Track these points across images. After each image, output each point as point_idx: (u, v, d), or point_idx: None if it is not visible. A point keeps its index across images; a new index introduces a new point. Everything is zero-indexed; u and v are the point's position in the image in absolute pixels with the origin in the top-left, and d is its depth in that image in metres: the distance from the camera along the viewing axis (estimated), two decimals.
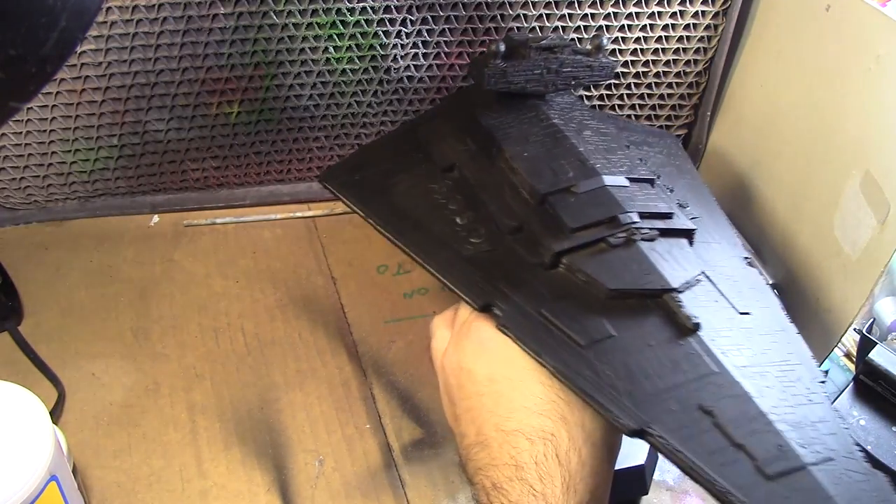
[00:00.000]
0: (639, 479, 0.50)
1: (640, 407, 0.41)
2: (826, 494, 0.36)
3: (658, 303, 0.46)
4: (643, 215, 0.50)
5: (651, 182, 0.54)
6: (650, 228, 0.49)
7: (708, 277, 0.49)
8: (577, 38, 0.69)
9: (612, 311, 0.46)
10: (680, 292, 0.46)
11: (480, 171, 0.55)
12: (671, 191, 0.58)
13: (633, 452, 0.49)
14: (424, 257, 0.51)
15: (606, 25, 0.69)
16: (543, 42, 0.59)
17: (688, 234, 0.52)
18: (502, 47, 0.58)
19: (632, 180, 0.53)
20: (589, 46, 0.61)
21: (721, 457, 0.38)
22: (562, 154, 0.54)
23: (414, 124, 0.63)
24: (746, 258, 0.55)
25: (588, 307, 0.46)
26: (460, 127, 0.59)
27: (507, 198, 0.53)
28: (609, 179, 0.52)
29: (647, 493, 0.50)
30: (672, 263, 0.48)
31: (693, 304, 0.46)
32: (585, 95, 0.74)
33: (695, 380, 0.42)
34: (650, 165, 0.59)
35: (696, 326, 0.44)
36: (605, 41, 0.61)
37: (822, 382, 0.45)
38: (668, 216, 0.51)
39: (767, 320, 0.48)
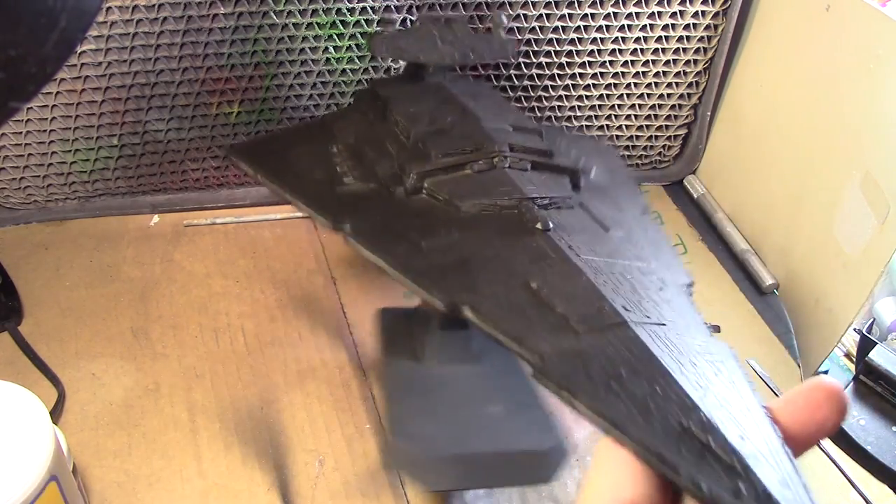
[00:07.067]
0: (540, 464, 0.47)
1: (463, 286, 0.40)
2: (641, 344, 0.33)
3: (512, 213, 0.45)
4: (515, 148, 0.49)
5: (539, 133, 0.54)
6: (521, 159, 0.49)
7: (584, 207, 0.48)
8: (577, 37, 0.69)
9: (466, 222, 0.45)
10: (539, 206, 0.45)
11: (371, 133, 0.55)
12: (553, 143, 0.56)
13: (540, 437, 0.47)
14: (293, 194, 0.51)
15: (606, 25, 0.69)
16: (437, 14, 0.60)
17: (569, 173, 0.51)
18: (394, 16, 0.58)
19: (515, 128, 0.53)
20: (488, 22, 0.61)
21: (535, 321, 0.37)
22: (446, 110, 0.54)
23: (324, 117, 0.64)
24: (643, 208, 0.54)
25: (440, 220, 0.46)
26: (364, 104, 0.60)
27: (388, 145, 0.53)
28: (488, 122, 0.52)
29: (548, 482, 0.48)
30: (539, 185, 0.47)
31: (553, 216, 0.44)
32: (585, 95, 0.74)
33: (528, 264, 0.40)
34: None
35: (546, 228, 0.43)
36: (503, 19, 0.60)
37: (688, 286, 0.43)
38: (545, 153, 0.51)
39: (638, 238, 0.47)
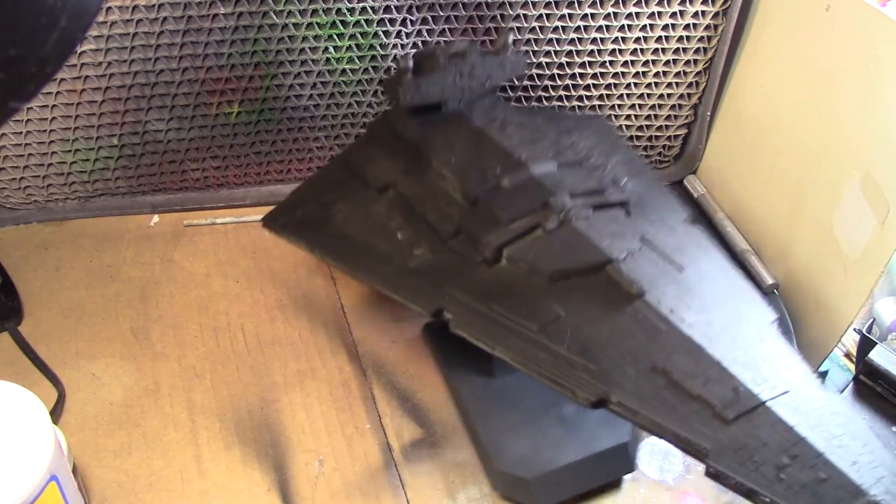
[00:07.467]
0: (623, 455, 0.50)
1: (598, 378, 0.41)
2: (786, 426, 0.37)
3: (601, 276, 0.47)
4: (574, 195, 0.51)
5: (579, 163, 0.56)
6: (583, 206, 0.50)
7: (648, 242, 0.50)
8: (577, 37, 0.69)
9: (559, 293, 0.47)
10: (621, 262, 0.47)
11: (414, 186, 0.56)
12: (603, 169, 0.58)
13: (616, 430, 0.51)
14: (370, 276, 0.52)
15: (606, 25, 0.69)
16: (450, 49, 0.60)
17: (622, 205, 0.53)
18: (411, 63, 0.59)
19: (559, 165, 0.54)
20: (496, 45, 0.62)
21: (681, 410, 0.39)
22: (488, 152, 0.55)
23: (344, 155, 0.64)
24: (686, 218, 0.56)
25: (535, 293, 0.47)
26: (389, 148, 0.60)
27: (443, 205, 0.54)
28: (536, 168, 0.53)
29: (633, 470, 0.51)
30: (610, 236, 0.48)
31: (635, 270, 0.46)
32: (585, 95, 0.74)
33: (646, 342, 0.43)
34: (580, 149, 0.59)
35: (641, 291, 0.45)
36: (510, 38, 0.62)
37: (775, 322, 0.45)
38: (599, 192, 0.52)
39: (711, 272, 0.49)
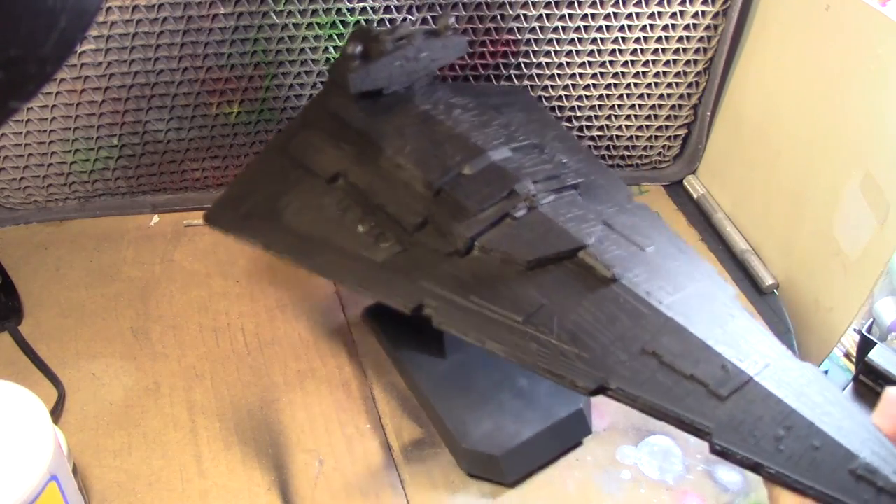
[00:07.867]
0: (580, 421, 0.52)
1: (593, 365, 0.41)
2: (776, 398, 0.38)
3: (574, 262, 0.46)
4: (535, 181, 0.51)
5: (531, 147, 0.56)
6: (545, 192, 0.50)
7: (607, 224, 0.50)
8: (577, 37, 0.69)
9: (536, 281, 0.46)
10: (592, 247, 0.47)
11: (367, 175, 0.54)
12: (542, 148, 0.57)
13: (569, 397, 0.52)
14: (339, 275, 0.50)
15: (606, 25, 0.69)
16: (396, 32, 0.59)
17: (575, 188, 0.53)
18: (359, 48, 0.57)
19: (513, 150, 0.54)
20: (437, 26, 0.61)
21: (677, 391, 0.39)
22: (442, 139, 0.54)
23: (280, 142, 0.61)
24: (629, 195, 0.56)
25: (512, 283, 0.47)
26: (331, 133, 0.58)
27: (403, 195, 0.52)
28: (494, 154, 0.52)
29: (590, 433, 0.53)
30: (575, 220, 0.49)
31: (606, 254, 0.46)
32: (585, 95, 0.74)
33: (632, 326, 0.43)
34: (518, 129, 0.59)
35: (617, 276, 0.45)
36: (451, 20, 0.61)
37: (736, 296, 0.46)
38: (555, 176, 0.52)
39: (669, 250, 0.50)
